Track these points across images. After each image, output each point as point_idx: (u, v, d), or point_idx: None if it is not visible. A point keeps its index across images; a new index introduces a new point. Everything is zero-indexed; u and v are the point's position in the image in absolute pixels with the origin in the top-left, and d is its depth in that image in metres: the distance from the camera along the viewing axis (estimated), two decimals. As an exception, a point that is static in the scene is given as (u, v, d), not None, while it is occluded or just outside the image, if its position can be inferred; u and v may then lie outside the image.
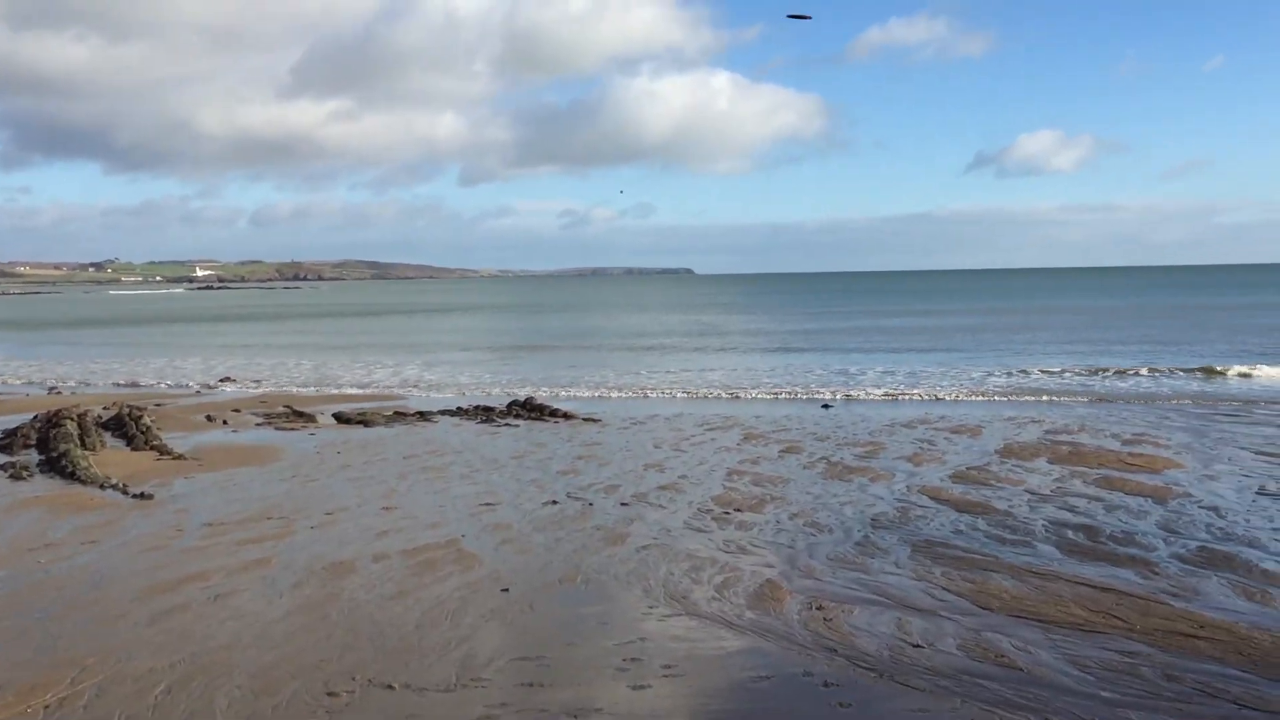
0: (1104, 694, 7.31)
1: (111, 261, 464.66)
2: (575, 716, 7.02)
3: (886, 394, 28.98)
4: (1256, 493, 14.25)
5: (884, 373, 35.26)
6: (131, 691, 7.49)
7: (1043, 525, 12.44)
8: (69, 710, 7.18)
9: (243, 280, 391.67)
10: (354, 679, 7.68)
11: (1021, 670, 7.79)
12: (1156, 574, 10.28)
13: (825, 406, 25.99)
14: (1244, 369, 32.50)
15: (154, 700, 7.33)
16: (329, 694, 7.41)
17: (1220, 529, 12.13)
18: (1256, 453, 17.58)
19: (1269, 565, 10.51)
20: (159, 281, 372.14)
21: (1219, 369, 32.34)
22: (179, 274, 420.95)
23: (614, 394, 30.17)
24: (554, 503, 14.19)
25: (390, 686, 7.54)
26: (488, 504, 14.14)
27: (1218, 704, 7.11)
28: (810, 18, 17.54)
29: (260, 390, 32.50)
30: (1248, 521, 12.49)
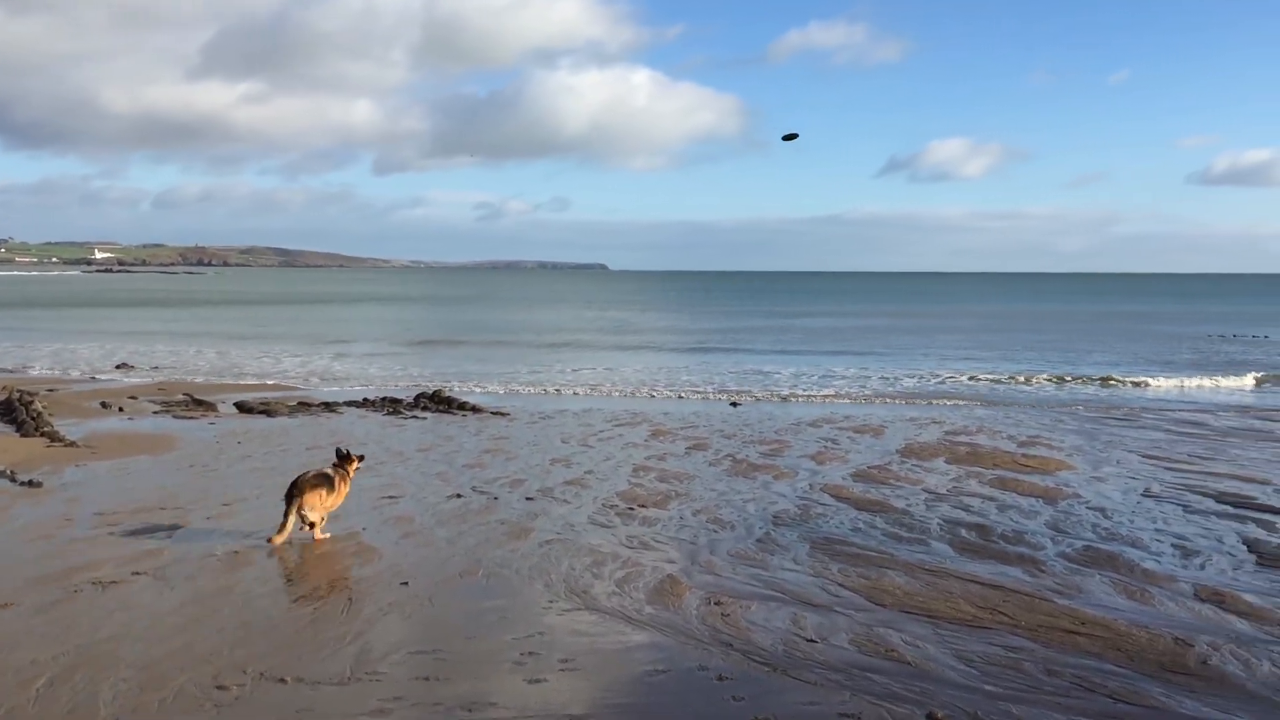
0: (987, 687, 7.54)
1: (5, 241, 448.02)
2: (470, 710, 7.00)
3: (794, 393, 29.40)
4: (1141, 494, 14.78)
5: (795, 373, 35.75)
6: (13, 683, 7.24)
7: (938, 524, 12.75)
8: (-57, 703, 6.93)
9: (144, 264, 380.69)
10: (245, 672, 7.54)
11: (910, 664, 7.98)
12: (1043, 572, 10.62)
13: (733, 405, 26.26)
14: (1139, 379, 33.66)
15: (35, 693, 7.10)
16: (218, 687, 7.25)
17: (1105, 529, 12.56)
18: (1143, 455, 18.23)
19: (1149, 564, 10.93)
20: (55, 263, 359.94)
21: (1117, 378, 33.44)
22: (77, 256, 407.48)
23: (525, 389, 30.09)
24: (458, 496, 14.10)
25: (282, 680, 7.42)
26: (390, 497, 13.99)
27: (1095, 698, 7.38)
28: (798, 135, 17.81)
29: (159, 378, 31.67)
30: (1132, 522, 12.95)
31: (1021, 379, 33.33)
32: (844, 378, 34.25)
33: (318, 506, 11.39)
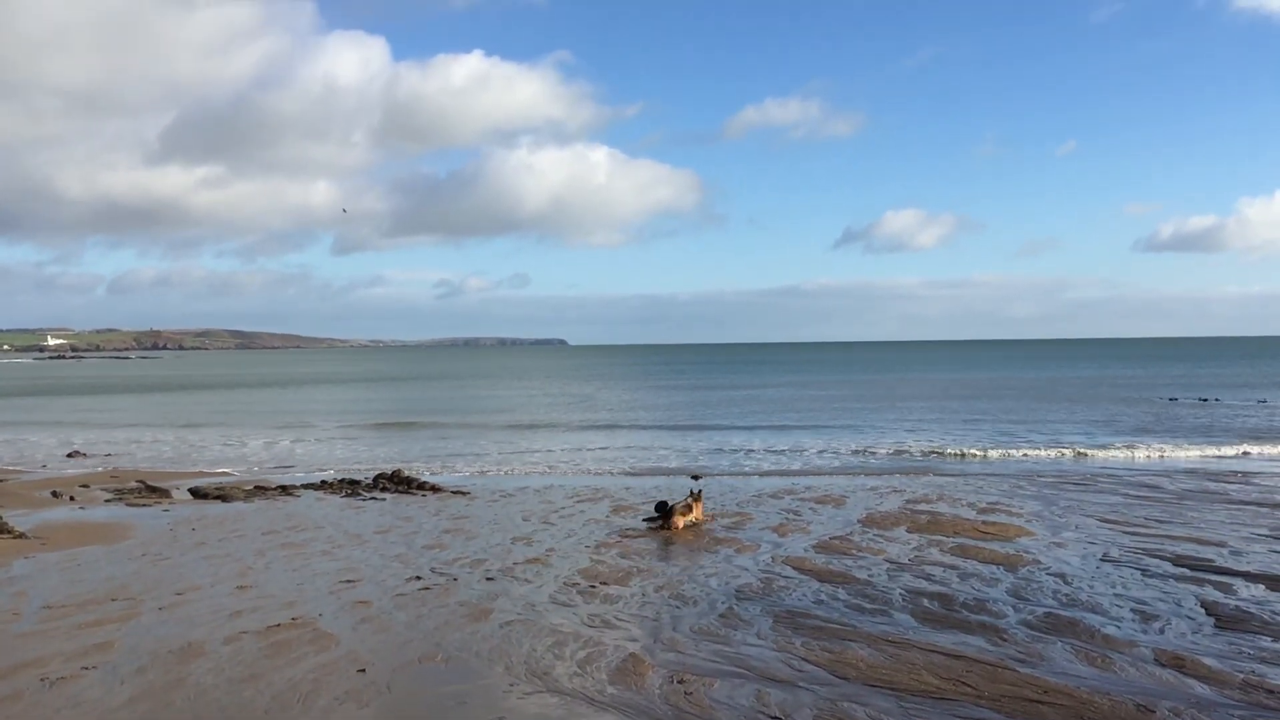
0: (952, 760, 7.50)
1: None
2: (429, 800, 6.86)
3: (755, 466, 29.47)
4: (1100, 559, 14.90)
5: (754, 446, 35.85)
6: (-49, 789, 7.02)
7: (900, 594, 12.75)
8: (-121, 812, 6.69)
9: (98, 349, 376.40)
10: (197, 768, 7.36)
11: (875, 739, 7.93)
12: (1005, 640, 10.64)
13: (694, 478, 26.23)
14: (1094, 445, 34.05)
15: (-25, 798, 6.89)
16: (169, 785, 7.07)
17: (1066, 595, 12.63)
18: (1101, 520, 18.40)
19: (1110, 630, 10.98)
20: (6, 350, 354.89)
21: (1074, 445, 33.80)
22: (28, 342, 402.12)
23: (488, 468, 29.91)
24: (417, 578, 13.93)
25: (235, 775, 7.25)
26: (348, 581, 13.79)
27: (1058, 766, 7.36)
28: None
29: (113, 465, 31.16)
30: (1091, 587, 13.03)
31: (977, 450, 33.60)
32: (804, 449, 34.38)
33: None
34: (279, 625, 11.35)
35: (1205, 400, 56.00)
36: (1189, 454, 31.04)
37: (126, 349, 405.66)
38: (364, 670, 9.71)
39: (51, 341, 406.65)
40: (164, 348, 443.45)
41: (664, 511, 18.01)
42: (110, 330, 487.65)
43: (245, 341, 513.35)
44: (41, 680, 9.42)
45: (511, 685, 9.31)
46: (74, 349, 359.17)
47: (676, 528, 17.55)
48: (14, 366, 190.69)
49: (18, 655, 10.23)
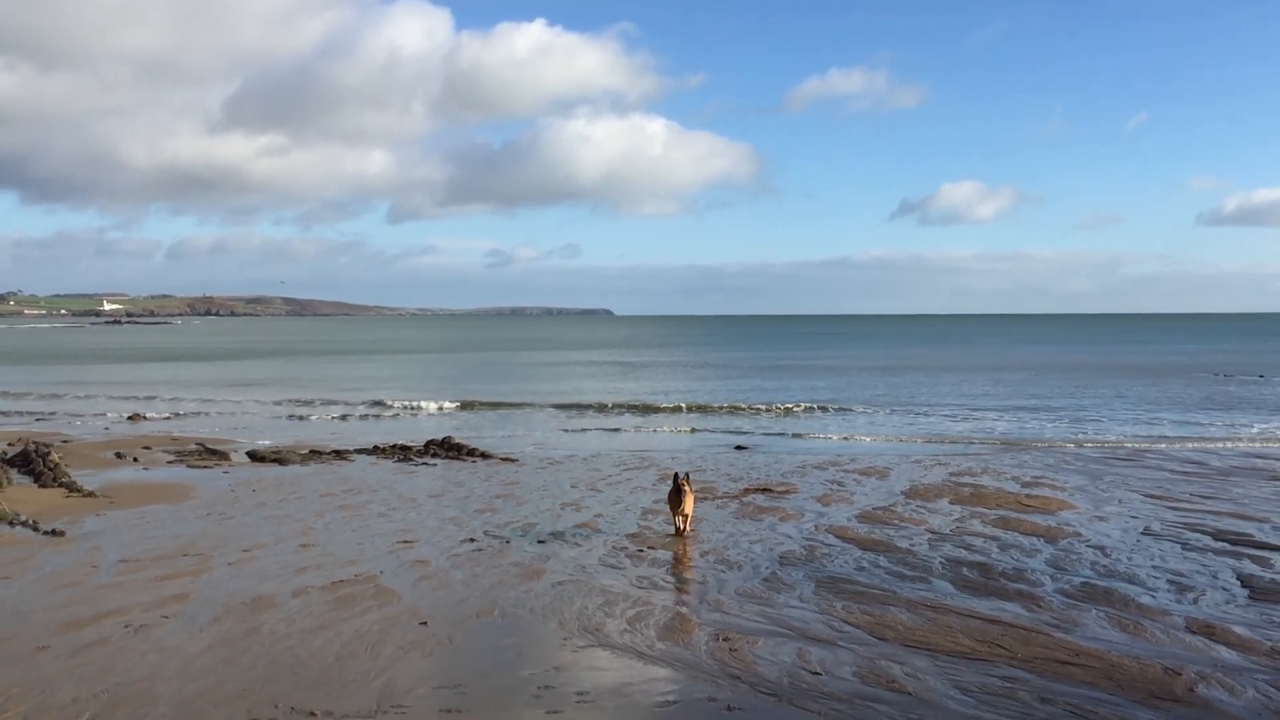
0: (984, 715, 7.88)
1: (14, 294, 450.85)
2: (492, 740, 7.36)
3: (800, 434, 29.78)
4: (1141, 533, 15.10)
5: (800, 418, 36.13)
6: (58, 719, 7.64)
7: (940, 562, 13.09)
8: (-7, 738, 7.31)
9: (151, 314, 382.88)
10: (277, 707, 7.92)
11: (910, 694, 8.33)
12: (1041, 607, 10.96)
13: (739, 448, 26.60)
14: (1142, 426, 33.93)
15: (79, 728, 7.50)
16: (253, 721, 7.64)
17: (1104, 566, 12.89)
18: (1145, 495, 18.53)
19: (1145, 600, 11.25)
20: (63, 315, 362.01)
21: (1130, 426, 33.71)
22: (85, 307, 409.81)
23: (538, 437, 30.46)
24: (471, 540, 14.47)
25: (313, 714, 7.79)
26: (405, 541, 14.36)
27: (1086, 723, 7.72)
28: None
29: (172, 430, 32.08)
30: (1130, 559, 13.28)
31: (1029, 421, 33.62)
32: (850, 422, 34.63)
33: None
34: (343, 581, 11.93)
35: (1262, 377, 55.33)
36: (1239, 430, 30.84)
37: (180, 314, 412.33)
38: (426, 623, 10.26)
39: (107, 306, 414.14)
40: (216, 314, 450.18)
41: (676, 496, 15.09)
42: (165, 296, 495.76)
43: (297, 309, 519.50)
44: (125, 627, 10.06)
45: (565, 640, 9.81)
46: (129, 314, 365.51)
47: (686, 515, 14.95)
48: (73, 331, 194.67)
49: (101, 605, 10.89)
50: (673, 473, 16.11)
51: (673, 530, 15.08)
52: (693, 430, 31.68)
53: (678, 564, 13.14)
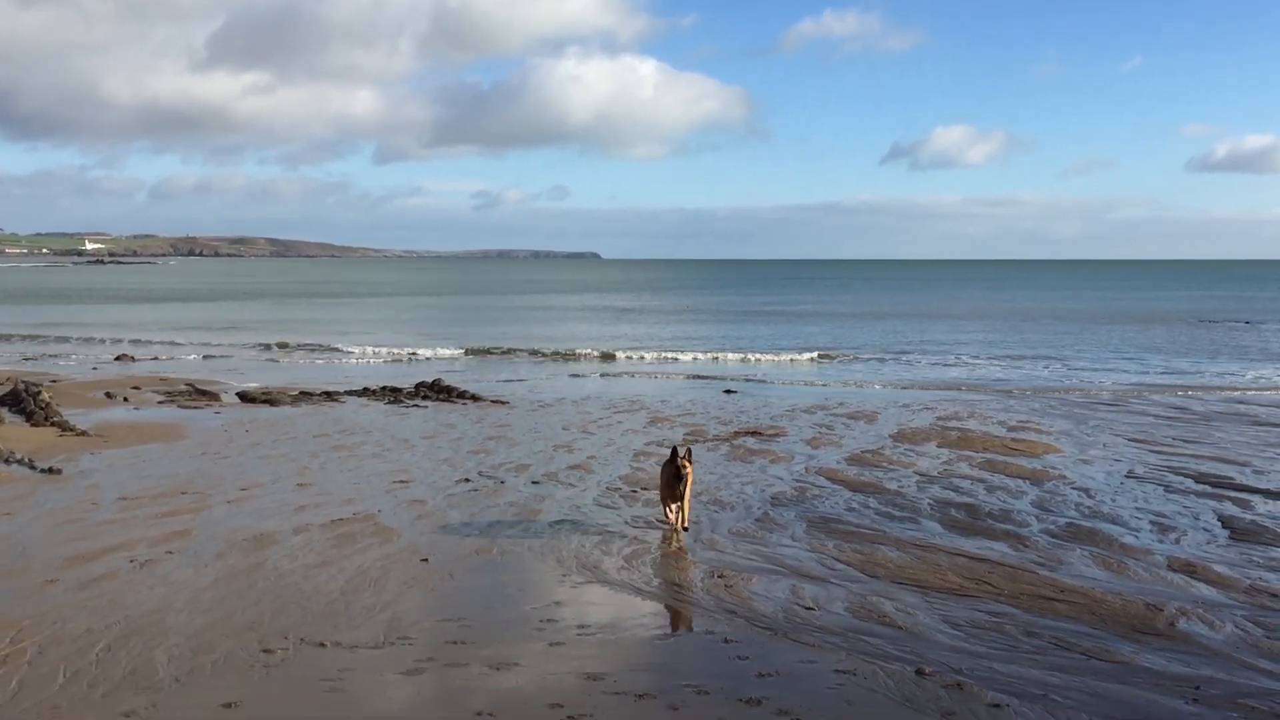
0: (971, 648, 8.15)
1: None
2: (498, 669, 7.59)
3: (787, 381, 30.01)
4: (1124, 475, 15.39)
5: (788, 362, 36.39)
6: (72, 650, 7.82)
7: (929, 503, 13.35)
8: (13, 667, 7.49)
9: (135, 254, 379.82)
10: (286, 638, 8.13)
11: (901, 628, 8.60)
12: (1027, 546, 11.24)
13: (728, 392, 26.82)
14: (1128, 371, 34.22)
15: (95, 657, 7.68)
16: (264, 651, 7.85)
17: (1088, 507, 13.17)
18: (1129, 439, 18.82)
19: (1128, 539, 11.54)
20: (45, 254, 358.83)
21: (1115, 372, 34.04)
22: (67, 246, 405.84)
23: (529, 380, 30.62)
24: (467, 480, 14.65)
25: (322, 644, 8.01)
26: (401, 481, 14.54)
27: (1069, 655, 7.99)
28: None
29: (160, 371, 32.09)
30: (1113, 501, 13.56)
31: (1016, 367, 33.94)
32: (839, 367, 34.90)
33: None
34: (342, 519, 12.12)
35: (1248, 324, 55.82)
36: (1224, 377, 31.18)
37: (163, 254, 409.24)
38: (427, 560, 10.47)
39: (89, 246, 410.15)
40: (200, 254, 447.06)
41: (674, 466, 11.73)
42: (147, 236, 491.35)
43: (282, 249, 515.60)
44: (131, 561, 10.24)
45: (564, 576, 10.04)
46: (111, 254, 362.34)
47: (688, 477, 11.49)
48: (55, 271, 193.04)
49: (104, 540, 11.05)
50: (671, 446, 12.17)
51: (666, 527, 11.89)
52: (683, 375, 31.87)
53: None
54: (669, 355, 38.40)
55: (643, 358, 37.60)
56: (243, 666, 7.55)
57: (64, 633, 8.18)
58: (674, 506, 11.69)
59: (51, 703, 6.93)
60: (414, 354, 38.87)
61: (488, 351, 39.81)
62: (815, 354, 38.72)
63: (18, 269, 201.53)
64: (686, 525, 11.67)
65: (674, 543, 11.36)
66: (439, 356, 38.25)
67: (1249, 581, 9.88)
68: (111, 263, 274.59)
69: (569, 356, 37.96)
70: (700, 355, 38.37)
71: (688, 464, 11.48)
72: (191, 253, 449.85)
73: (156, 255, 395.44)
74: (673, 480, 11.53)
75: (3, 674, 7.38)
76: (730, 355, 38.37)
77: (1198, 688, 7.39)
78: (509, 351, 39.78)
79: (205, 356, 36.93)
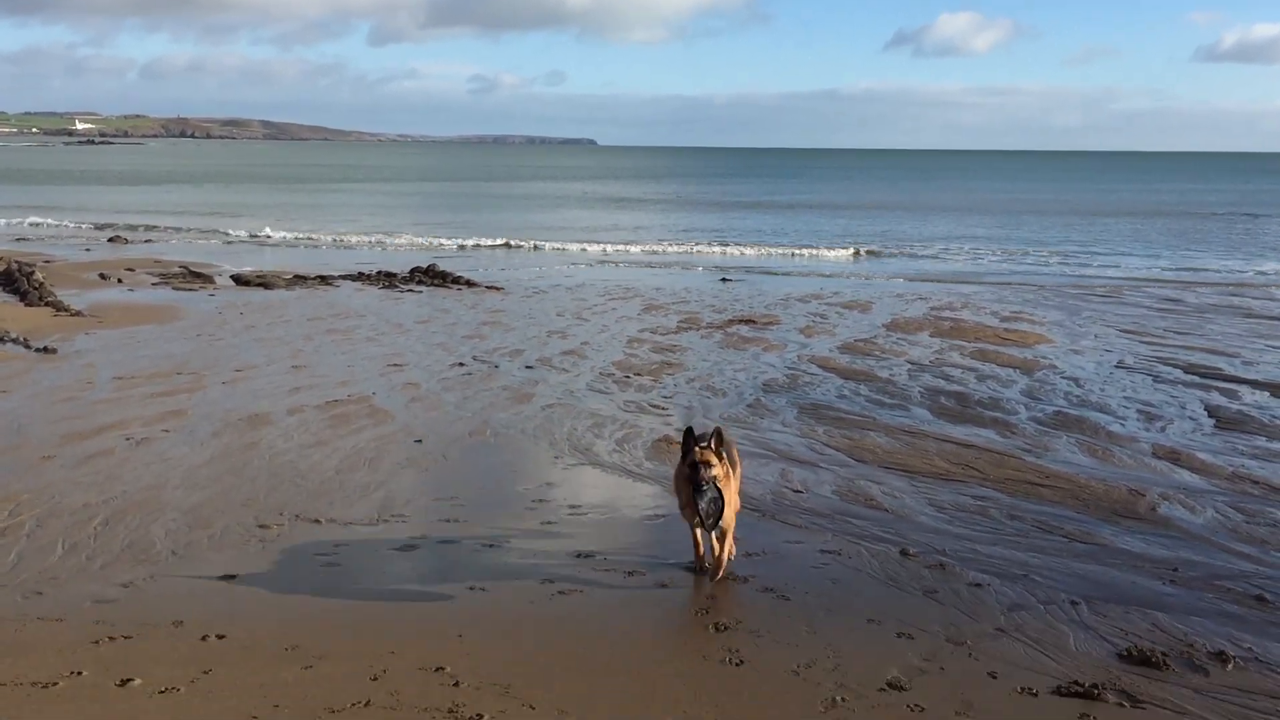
0: (955, 530, 8.32)
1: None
2: (491, 547, 7.75)
3: (784, 270, 29.96)
4: (1114, 366, 15.47)
5: (784, 251, 36.27)
6: (70, 523, 7.97)
7: (919, 391, 13.45)
8: (12, 539, 7.64)
9: (125, 135, 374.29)
10: (282, 514, 8.28)
11: (887, 511, 8.76)
12: (1014, 433, 11.37)
13: (724, 280, 26.77)
14: (1121, 262, 34.15)
15: (94, 530, 7.83)
16: (260, 526, 8.01)
17: (1077, 396, 13.28)
18: (1121, 330, 18.87)
19: (1114, 428, 11.66)
20: (35, 134, 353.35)
21: (1107, 262, 33.94)
22: (57, 126, 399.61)
23: (523, 265, 30.52)
24: (460, 365, 14.72)
25: (317, 521, 8.16)
26: (396, 365, 14.60)
27: (1051, 538, 8.16)
28: None
29: (154, 253, 31.91)
30: (1102, 390, 13.67)
31: (1011, 258, 33.85)
32: (835, 258, 34.78)
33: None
34: (337, 401, 12.21)
35: (1250, 217, 55.46)
36: (1222, 270, 31.09)
37: (154, 135, 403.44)
38: (420, 441, 10.59)
39: (79, 126, 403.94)
40: (191, 135, 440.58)
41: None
42: (138, 116, 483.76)
43: (275, 132, 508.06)
44: (127, 439, 10.35)
45: (556, 458, 10.17)
46: (102, 134, 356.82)
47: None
48: (46, 150, 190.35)
49: (100, 419, 11.14)
50: (685, 429, 7.32)
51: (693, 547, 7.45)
52: (678, 265, 31.77)
53: (665, 391, 13.44)
54: (665, 244, 38.16)
55: (639, 247, 37.37)
56: (239, 541, 7.70)
57: (61, 506, 8.32)
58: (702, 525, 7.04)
59: (50, 573, 7.08)
60: (407, 239, 38.63)
61: (485, 236, 39.53)
62: (813, 245, 38.49)
63: (8, 148, 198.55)
64: (721, 565, 7.19)
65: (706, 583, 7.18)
66: (433, 244, 38.02)
67: (1231, 469, 10.03)
68: (102, 142, 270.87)
69: (565, 244, 37.74)
70: (702, 246, 38.12)
71: (711, 456, 6.95)
72: (183, 134, 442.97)
73: (147, 135, 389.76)
74: (688, 482, 6.95)
75: (1, 545, 7.53)
76: (731, 249, 38.12)
77: (1175, 569, 7.57)
78: (506, 237, 39.53)
79: (199, 239, 36.70)
